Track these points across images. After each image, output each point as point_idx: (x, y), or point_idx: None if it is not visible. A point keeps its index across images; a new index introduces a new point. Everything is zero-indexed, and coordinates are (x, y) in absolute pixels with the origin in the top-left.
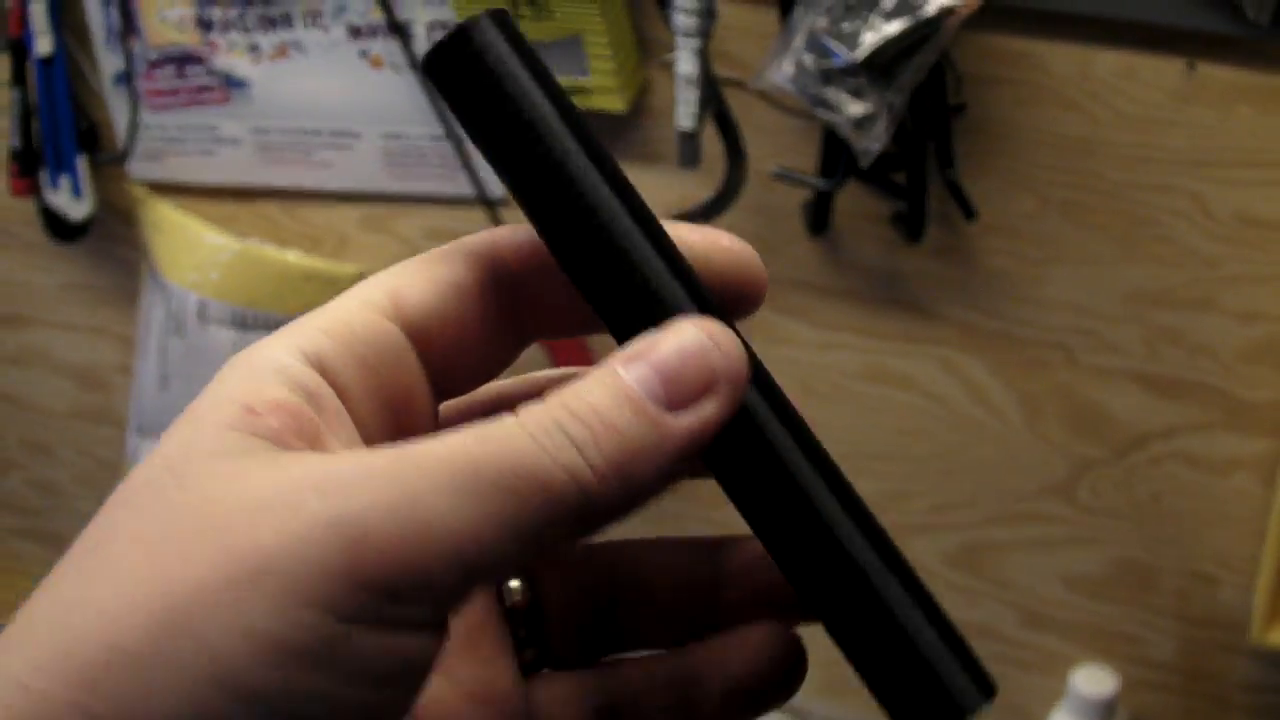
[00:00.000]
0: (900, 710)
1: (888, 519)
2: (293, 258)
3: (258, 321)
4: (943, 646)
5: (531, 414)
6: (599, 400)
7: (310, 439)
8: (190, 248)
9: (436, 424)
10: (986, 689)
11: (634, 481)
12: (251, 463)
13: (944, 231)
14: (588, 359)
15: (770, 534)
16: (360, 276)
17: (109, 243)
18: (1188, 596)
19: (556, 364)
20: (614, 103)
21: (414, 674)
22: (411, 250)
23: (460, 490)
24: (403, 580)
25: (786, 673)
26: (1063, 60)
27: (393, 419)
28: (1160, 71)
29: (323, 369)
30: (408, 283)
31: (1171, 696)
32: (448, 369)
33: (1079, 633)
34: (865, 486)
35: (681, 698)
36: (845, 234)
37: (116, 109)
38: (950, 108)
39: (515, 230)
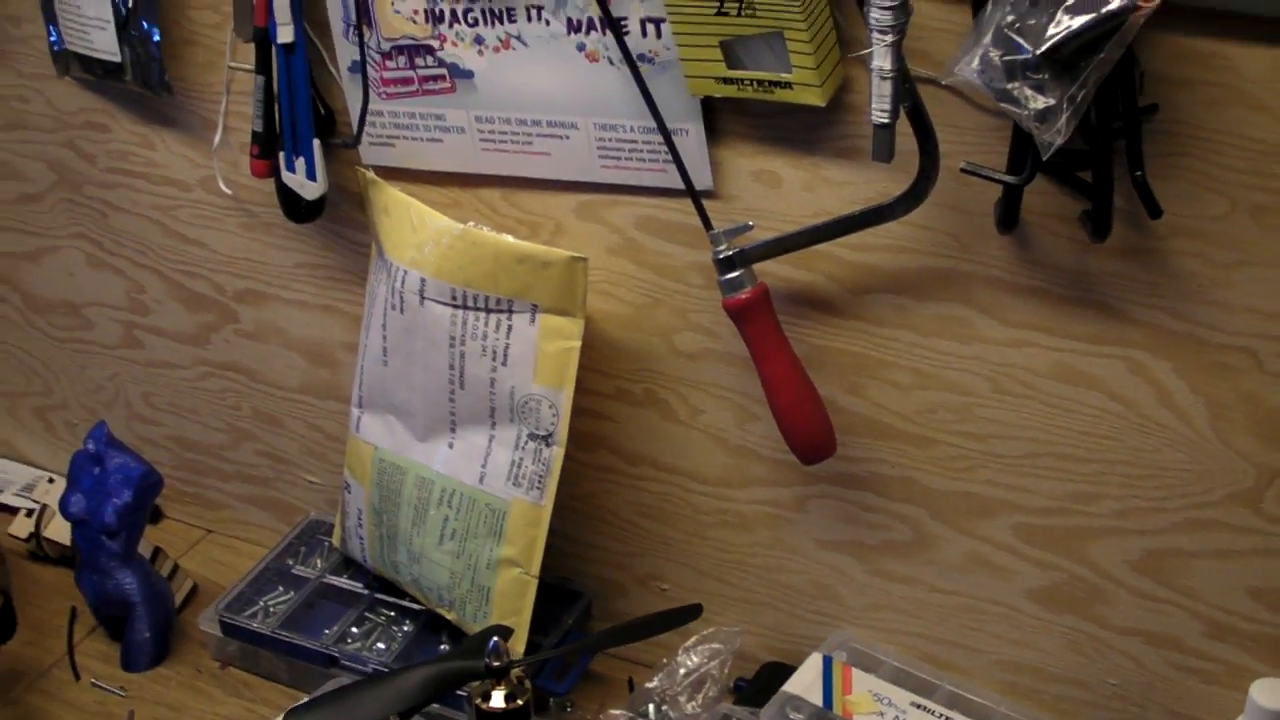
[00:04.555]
0: None
1: (1072, 521)
2: (507, 240)
3: (473, 301)
4: None
5: None
6: None
7: None
8: (413, 228)
9: None
10: None
11: None
12: None
13: (1132, 232)
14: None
15: None
16: (571, 261)
17: (341, 225)
18: None
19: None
20: (814, 97)
21: None
22: (624, 240)
23: None
24: None
25: None
26: (1254, 62)
27: None
28: None
29: None
30: None
31: None
32: None
33: (1263, 645)
34: (1050, 487)
35: None
36: (1035, 232)
37: (351, 96)
38: (1140, 109)
39: None
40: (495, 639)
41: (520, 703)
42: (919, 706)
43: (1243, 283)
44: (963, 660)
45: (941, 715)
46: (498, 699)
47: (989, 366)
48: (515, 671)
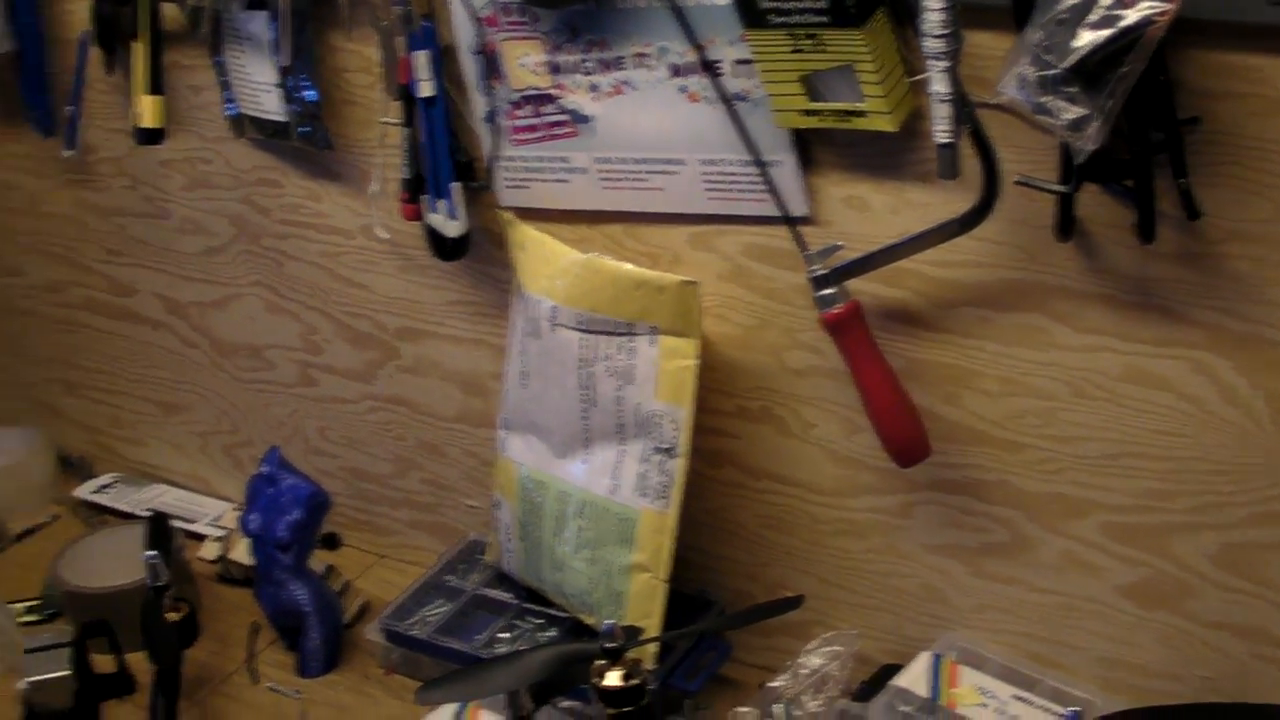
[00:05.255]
0: None
1: (1153, 518)
2: (626, 268)
3: (598, 324)
4: None
5: None
6: None
7: None
8: (545, 260)
9: None
10: None
11: None
12: None
13: (1186, 237)
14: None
15: None
16: (683, 285)
17: (487, 264)
18: None
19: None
20: (886, 124)
21: None
22: (733, 266)
23: None
24: None
25: None
26: None
27: None
28: None
29: None
30: None
31: None
32: None
33: None
34: (1131, 485)
35: None
36: (1097, 241)
37: (486, 144)
38: (1181, 120)
39: None
40: (611, 621)
41: (636, 682)
42: (1020, 699)
43: None
44: (1063, 657)
45: (1041, 706)
46: (613, 678)
47: (1067, 371)
48: (632, 655)
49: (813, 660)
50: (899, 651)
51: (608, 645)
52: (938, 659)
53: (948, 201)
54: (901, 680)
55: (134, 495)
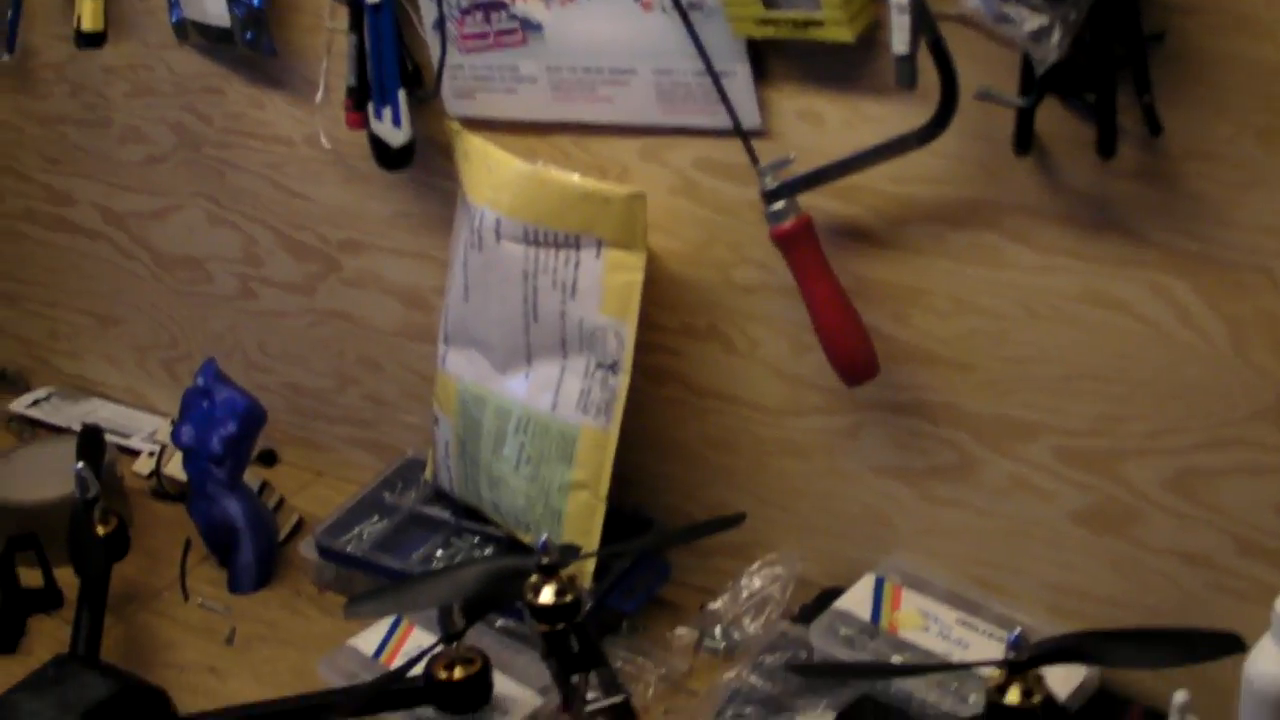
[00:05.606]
0: None
1: (1105, 442)
2: (572, 179)
3: (543, 237)
4: None
5: None
6: None
7: None
8: (490, 171)
9: None
10: None
11: None
12: None
13: (1146, 155)
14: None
15: None
16: (630, 197)
17: (430, 175)
18: None
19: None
20: (843, 34)
21: None
22: (683, 180)
23: None
24: None
25: None
26: None
27: None
28: None
29: None
30: None
31: None
32: None
33: None
34: (1083, 408)
35: None
36: (1056, 159)
37: (434, 52)
38: (1147, 36)
39: None
40: (546, 536)
41: (570, 598)
42: (964, 624)
43: (1253, 203)
44: (1010, 582)
45: (986, 632)
46: (547, 594)
47: (1021, 291)
48: (567, 572)
49: (753, 582)
50: (841, 575)
51: (542, 561)
52: (880, 582)
53: (904, 116)
54: (843, 603)
55: (69, 409)
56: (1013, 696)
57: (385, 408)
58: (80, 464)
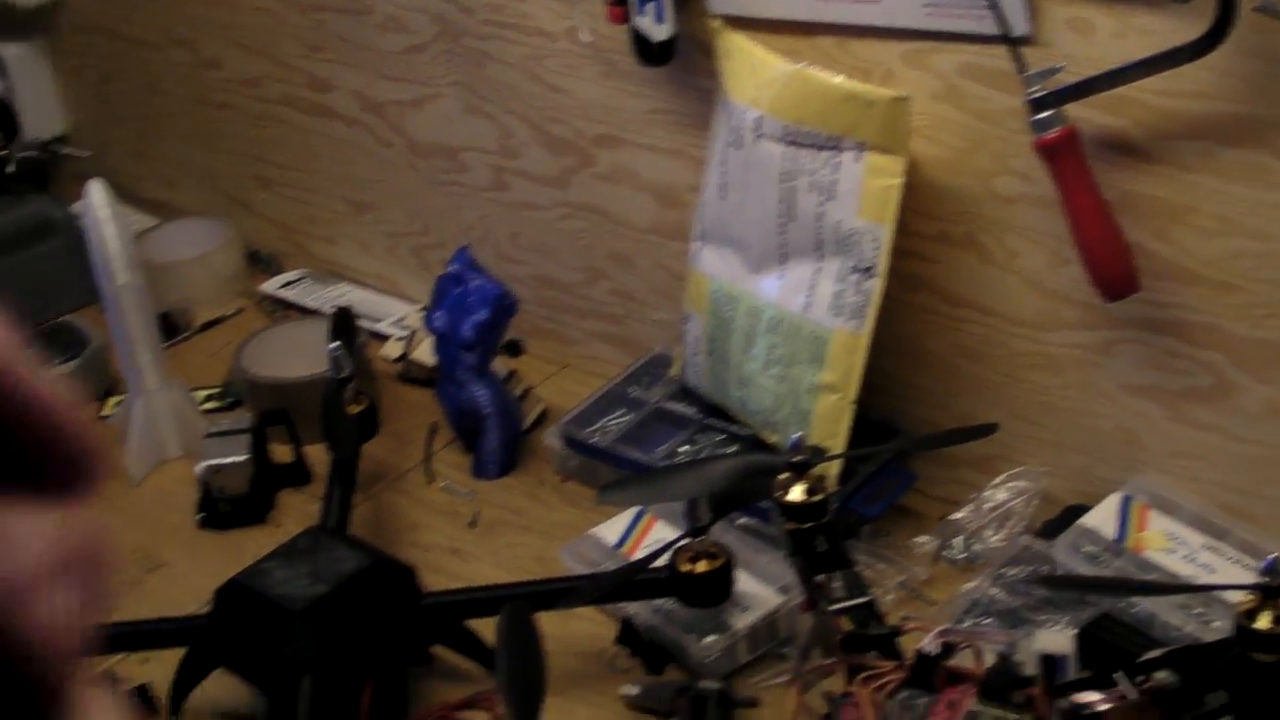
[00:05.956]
0: None
1: None
2: (836, 80)
3: (804, 137)
4: None
5: None
6: None
7: None
8: (752, 69)
9: None
10: None
11: None
12: None
13: None
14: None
15: None
16: (894, 100)
17: (690, 73)
18: None
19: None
20: None
21: None
22: (947, 86)
23: None
24: None
25: None
26: None
27: None
28: None
29: None
30: None
31: None
32: None
33: None
34: None
35: None
36: None
37: None
38: None
39: None
40: (799, 434)
41: (819, 498)
42: (1210, 549)
43: None
44: (1260, 510)
45: (1232, 558)
46: (797, 492)
47: None
48: (816, 472)
49: (997, 495)
50: (1086, 493)
51: (793, 459)
52: (1127, 501)
53: (1176, 29)
54: (1088, 520)
55: (319, 292)
56: (1263, 622)
57: (634, 303)
58: (334, 344)
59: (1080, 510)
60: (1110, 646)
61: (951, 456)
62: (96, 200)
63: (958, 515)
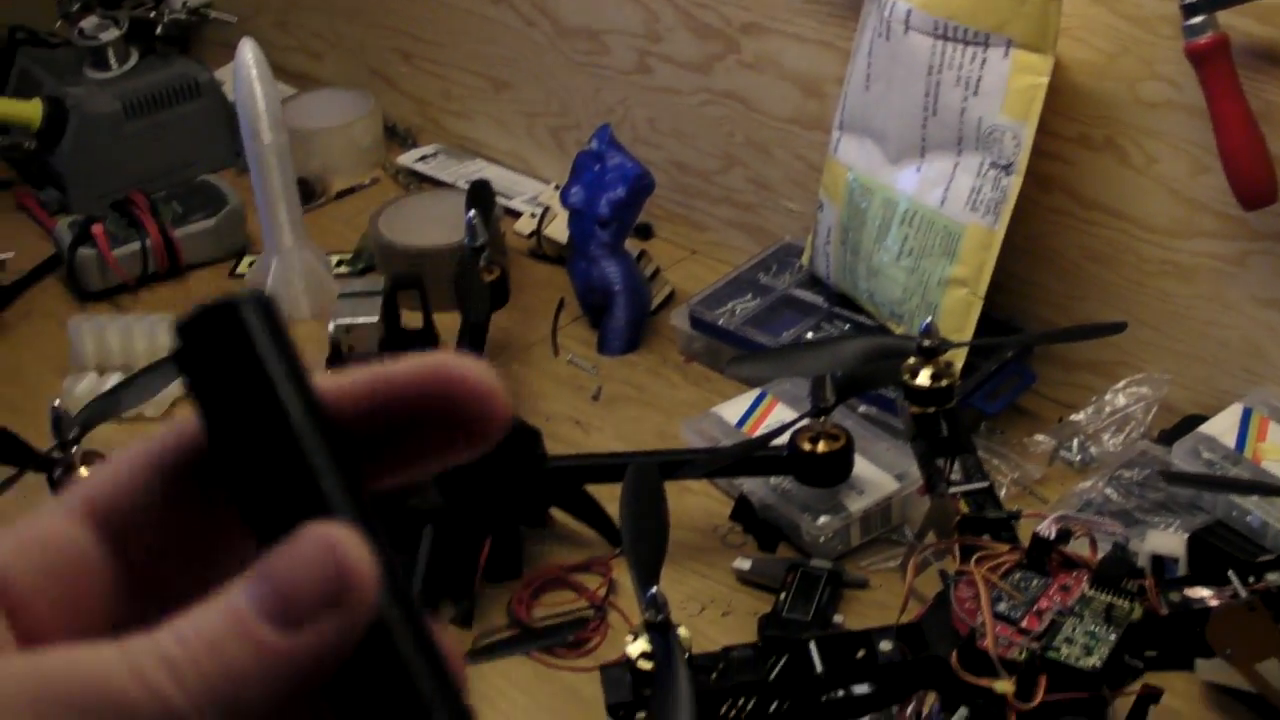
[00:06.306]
0: None
1: None
2: None
3: (953, 32)
4: None
5: (137, 635)
6: (206, 620)
7: None
8: None
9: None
10: None
11: (236, 703)
12: None
13: None
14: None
15: None
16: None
17: None
18: None
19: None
20: None
21: None
22: None
23: (38, 713)
24: None
25: None
26: None
27: (80, 620)
28: None
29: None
30: (98, 485)
31: None
32: (154, 560)
33: None
34: None
35: None
36: None
37: None
38: None
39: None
40: (930, 320)
41: (944, 384)
42: None
43: None
44: None
45: None
46: (924, 377)
47: None
48: (943, 358)
49: (1117, 400)
50: (1207, 404)
51: (923, 343)
52: (1249, 412)
53: None
54: (1208, 428)
55: (454, 167)
56: None
57: (767, 192)
58: (471, 212)
59: (1199, 420)
60: (1220, 553)
61: (1072, 359)
62: (248, 59)
63: (1076, 417)
